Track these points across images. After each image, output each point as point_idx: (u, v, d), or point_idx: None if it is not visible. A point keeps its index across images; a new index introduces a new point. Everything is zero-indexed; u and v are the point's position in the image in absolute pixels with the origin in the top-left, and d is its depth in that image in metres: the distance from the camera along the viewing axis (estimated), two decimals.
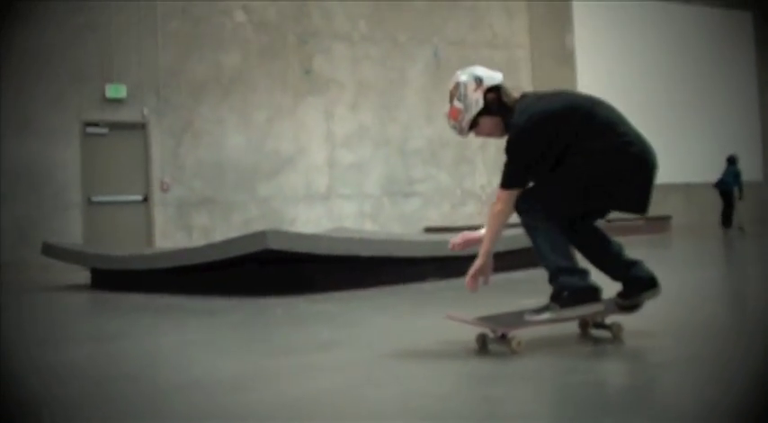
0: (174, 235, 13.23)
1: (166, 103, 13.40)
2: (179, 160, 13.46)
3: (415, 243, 7.83)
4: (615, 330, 3.75)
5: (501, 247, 8.08)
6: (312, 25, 14.76)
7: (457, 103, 3.74)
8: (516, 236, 8.30)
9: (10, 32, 12.37)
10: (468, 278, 3.68)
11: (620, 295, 3.78)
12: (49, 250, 9.33)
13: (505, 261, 7.69)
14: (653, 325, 4.10)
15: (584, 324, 3.88)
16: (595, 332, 3.85)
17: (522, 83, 16.81)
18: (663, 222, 17.24)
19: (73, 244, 10.99)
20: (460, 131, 3.81)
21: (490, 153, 16.00)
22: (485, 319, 3.70)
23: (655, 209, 15.41)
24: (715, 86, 20.14)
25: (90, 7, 12.92)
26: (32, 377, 3.42)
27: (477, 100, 3.70)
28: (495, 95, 3.71)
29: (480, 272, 3.69)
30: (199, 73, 13.71)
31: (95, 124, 12.96)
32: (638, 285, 3.73)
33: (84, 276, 9.64)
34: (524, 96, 3.77)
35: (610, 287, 3.76)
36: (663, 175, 16.79)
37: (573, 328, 3.89)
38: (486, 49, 16.17)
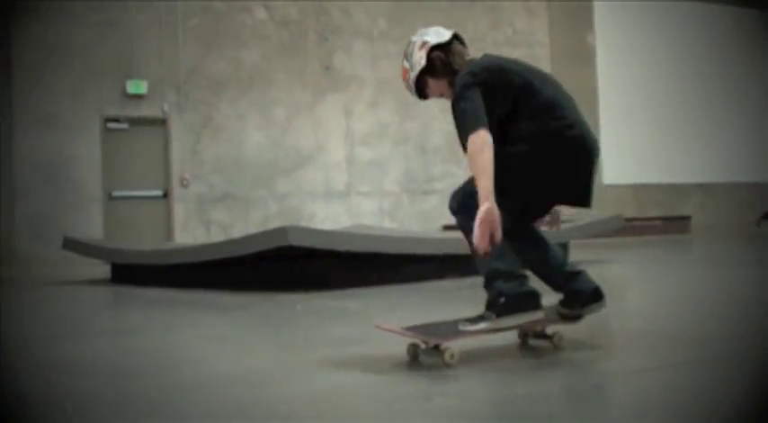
0: (193, 230, 13.28)
1: (186, 99, 13.45)
2: (198, 156, 13.50)
3: (434, 240, 7.81)
4: (556, 340, 3.49)
5: None
6: (332, 22, 14.77)
7: (405, 63, 3.60)
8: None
9: (33, 29, 12.45)
10: (477, 238, 3.06)
11: (561, 303, 3.51)
12: (70, 244, 9.38)
13: None
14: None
15: (524, 334, 3.61)
16: (535, 342, 3.60)
17: None
18: (682, 222, 17.13)
19: (93, 238, 11.04)
20: (411, 91, 3.65)
21: None
22: (416, 329, 3.42)
23: (673, 209, 15.26)
24: (734, 85, 19.97)
25: (112, 4, 12.99)
26: (50, 371, 3.44)
27: (420, 59, 3.52)
28: (439, 54, 3.51)
29: (489, 221, 3.07)
30: (219, 69, 13.74)
31: (116, 120, 13.03)
32: (580, 298, 3.45)
33: (103, 271, 9.68)
34: (472, 60, 3.55)
35: (551, 294, 3.54)
36: (681, 175, 16.59)
37: (512, 337, 3.65)
38: (505, 47, 16.11)
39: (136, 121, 13.19)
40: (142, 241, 11.23)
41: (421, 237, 8.26)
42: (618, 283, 7.44)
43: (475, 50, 3.65)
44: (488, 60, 3.47)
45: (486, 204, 3.07)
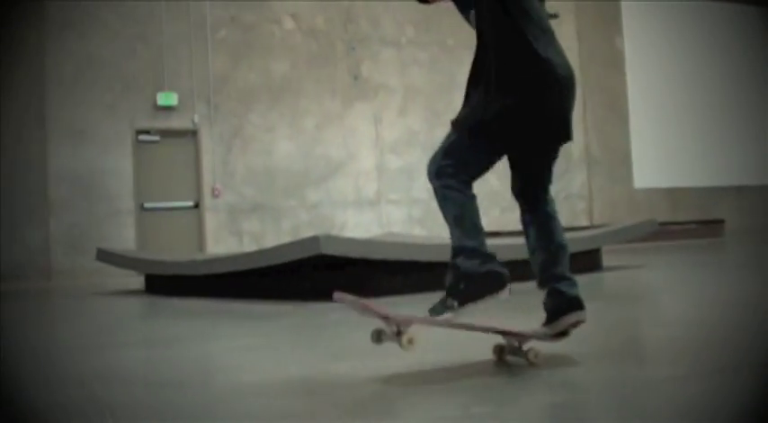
0: (225, 240, 13.34)
1: (217, 110, 13.53)
2: (229, 167, 13.57)
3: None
4: (532, 357, 3.22)
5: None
6: (360, 31, 14.80)
7: None
8: (573, 240, 8.25)
9: (66, 43, 12.59)
10: None
11: (545, 325, 3.31)
12: (104, 256, 9.46)
13: None
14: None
15: (500, 349, 3.38)
16: (512, 359, 3.36)
17: None
18: (716, 226, 16.93)
19: (126, 250, 11.13)
20: None
21: None
22: (378, 307, 3.21)
23: (707, 212, 15.03)
24: None
25: (142, 18, 13.11)
26: (88, 382, 3.45)
27: None
28: None
29: None
30: (248, 80, 13.82)
31: (147, 132, 13.15)
32: (559, 301, 3.26)
33: (136, 282, 9.75)
34: None
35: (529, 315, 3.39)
36: (715, 178, 16.36)
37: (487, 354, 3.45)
38: None
39: (167, 133, 13.29)
40: (175, 252, 11.30)
41: None
42: (650, 288, 7.37)
43: None
44: None
45: None
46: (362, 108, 14.68)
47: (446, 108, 15.33)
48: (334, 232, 13.62)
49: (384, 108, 14.88)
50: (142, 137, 13.11)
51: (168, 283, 8.48)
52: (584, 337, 3.52)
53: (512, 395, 2.85)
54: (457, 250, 3.20)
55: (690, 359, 3.40)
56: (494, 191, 15.61)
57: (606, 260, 9.33)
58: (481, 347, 3.52)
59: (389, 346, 4.08)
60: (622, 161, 17.36)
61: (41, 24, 12.53)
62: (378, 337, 3.22)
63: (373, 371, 3.40)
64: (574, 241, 8.26)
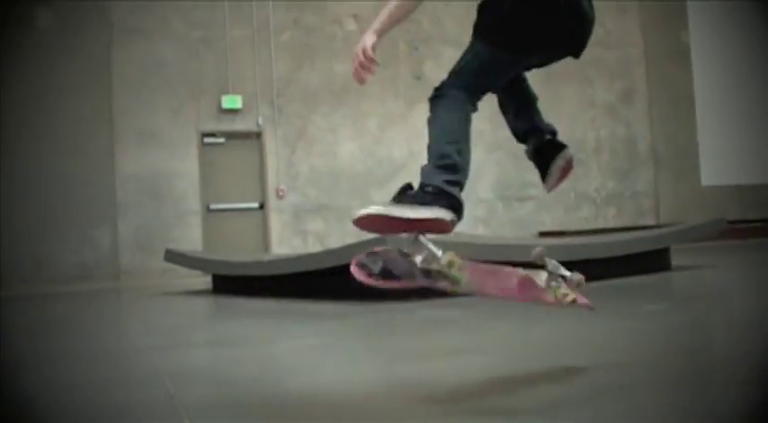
0: (289, 241, 13.45)
1: (280, 112, 13.65)
2: (293, 168, 13.68)
3: (533, 247, 7.69)
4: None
5: (622, 251, 7.93)
6: (422, 31, 14.78)
7: None
8: (640, 239, 8.14)
9: (132, 47, 12.84)
10: (355, 65, 3.03)
11: (545, 180, 3.39)
12: (171, 256, 9.60)
13: (628, 265, 7.53)
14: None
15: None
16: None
17: (636, 82, 16.42)
18: None
19: (193, 250, 11.29)
20: None
21: (605, 156, 15.68)
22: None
23: None
24: None
25: (206, 22, 13.30)
26: (163, 381, 3.51)
27: None
28: None
29: (369, 57, 3.00)
30: (311, 82, 13.91)
31: (212, 134, 13.32)
32: (545, 150, 3.29)
33: (203, 282, 9.88)
34: None
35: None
36: None
37: None
38: (597, 48, 15.84)
39: (232, 136, 13.45)
40: (240, 252, 11.42)
41: (520, 244, 8.17)
42: (720, 289, 7.23)
43: None
44: None
45: (374, 38, 3.04)
46: (425, 108, 14.52)
47: None
48: None
49: None
50: (207, 139, 13.29)
51: (234, 284, 8.57)
52: (652, 338, 3.47)
53: (584, 401, 2.83)
54: (437, 157, 2.98)
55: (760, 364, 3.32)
56: (558, 190, 15.48)
57: (674, 259, 9.17)
58: (553, 354, 3.48)
59: (460, 347, 4.08)
60: (689, 158, 17.04)
61: (108, 30, 12.79)
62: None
63: (444, 372, 3.39)
64: (641, 241, 8.16)
